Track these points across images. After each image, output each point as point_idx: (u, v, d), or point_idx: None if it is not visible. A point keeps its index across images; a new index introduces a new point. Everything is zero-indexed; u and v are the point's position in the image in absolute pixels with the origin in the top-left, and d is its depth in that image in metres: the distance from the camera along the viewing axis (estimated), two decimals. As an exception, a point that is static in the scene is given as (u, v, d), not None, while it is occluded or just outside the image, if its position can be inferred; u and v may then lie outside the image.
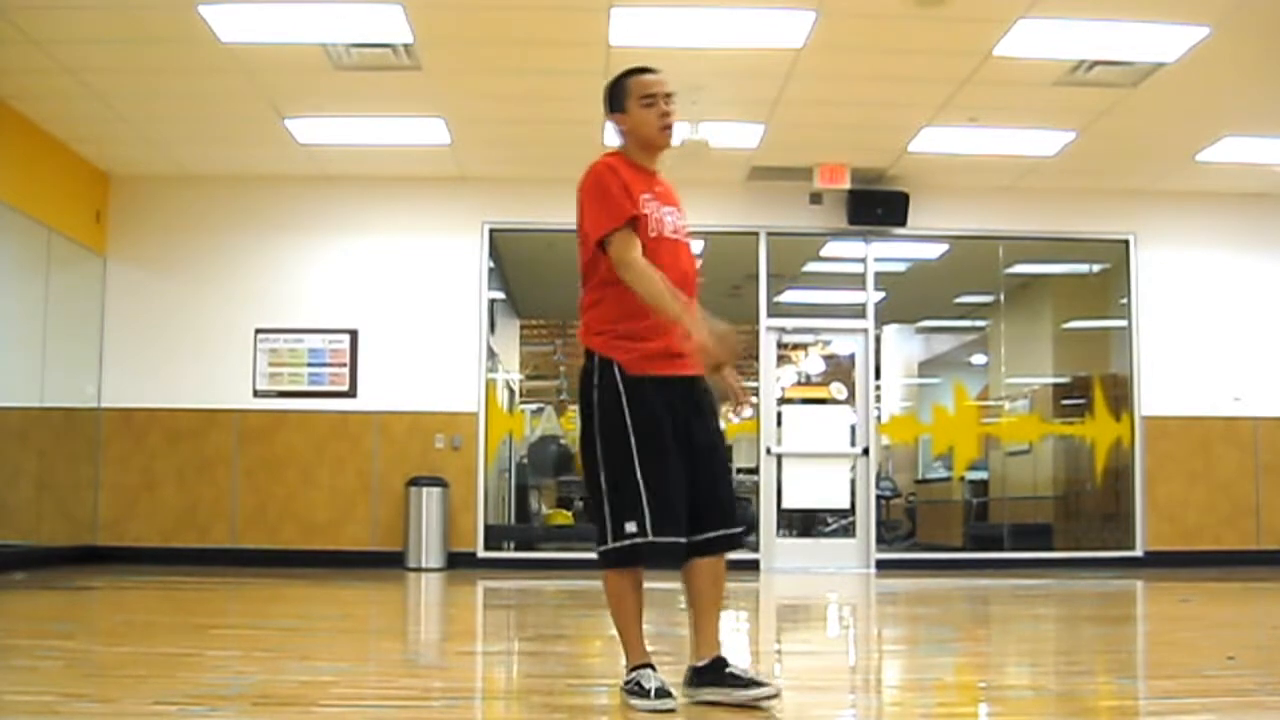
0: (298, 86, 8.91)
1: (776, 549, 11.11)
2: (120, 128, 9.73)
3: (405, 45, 8.09)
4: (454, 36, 8.05)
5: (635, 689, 3.64)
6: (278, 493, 10.74)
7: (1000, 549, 11.46)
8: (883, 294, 11.62)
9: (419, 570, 10.30)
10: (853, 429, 11.42)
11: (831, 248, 11.72)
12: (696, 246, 13.10)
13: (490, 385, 11.22)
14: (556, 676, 4.17)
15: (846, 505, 11.36)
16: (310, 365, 10.90)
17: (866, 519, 11.19)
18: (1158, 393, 11.24)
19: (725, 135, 9.57)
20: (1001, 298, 11.98)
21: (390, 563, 10.40)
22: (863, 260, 11.40)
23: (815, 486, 11.32)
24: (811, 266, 12.22)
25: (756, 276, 11.27)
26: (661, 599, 8.46)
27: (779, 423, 11.36)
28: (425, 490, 10.47)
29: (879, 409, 11.93)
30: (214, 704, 3.62)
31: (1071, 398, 12.08)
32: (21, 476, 9.71)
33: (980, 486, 12.36)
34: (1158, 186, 11.19)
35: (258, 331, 10.87)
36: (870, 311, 11.40)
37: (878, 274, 11.46)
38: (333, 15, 7.72)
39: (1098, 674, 4.78)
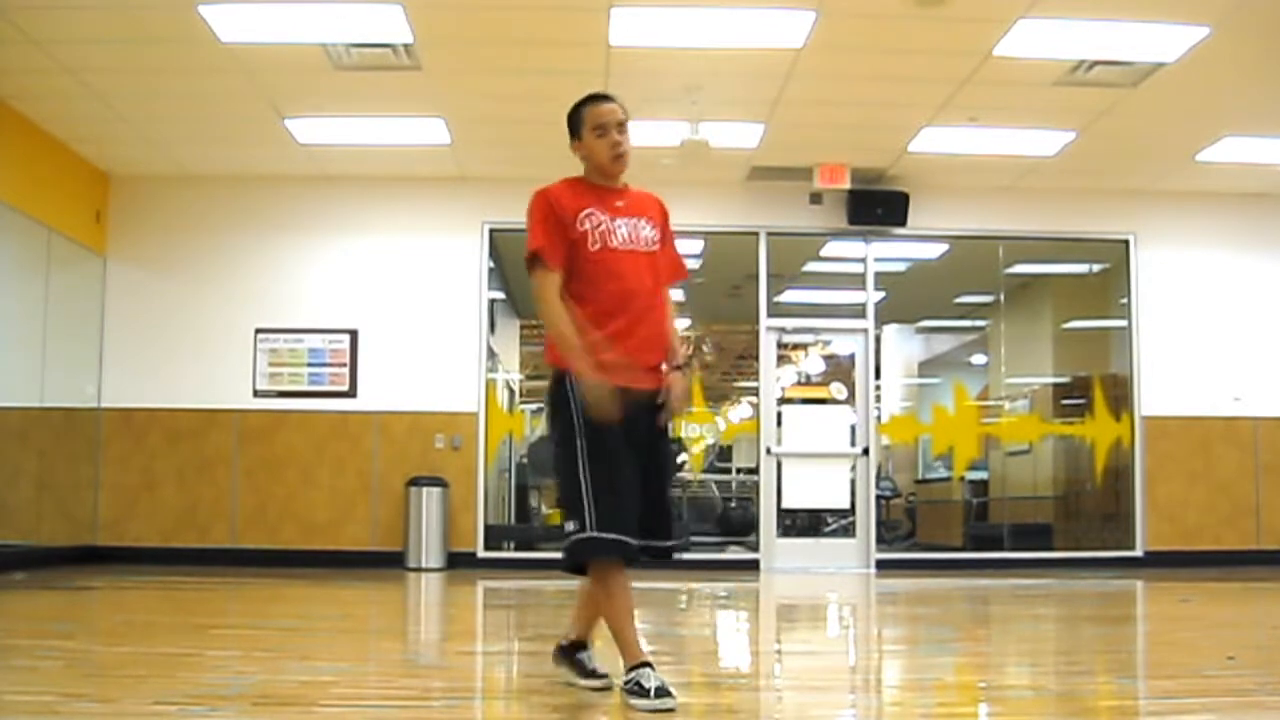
0: (298, 86, 8.91)
1: (776, 549, 11.11)
2: (120, 128, 9.73)
3: (405, 45, 8.09)
4: (454, 36, 8.05)
5: (635, 689, 3.68)
6: (278, 493, 10.74)
7: (1000, 549, 11.46)
8: (883, 294, 11.62)
9: (419, 570, 10.31)
10: (853, 429, 11.42)
11: (831, 248, 11.72)
12: (695, 246, 13.07)
13: (490, 385, 11.22)
14: (556, 677, 4.17)
15: (846, 505, 11.36)
16: (310, 365, 10.91)
17: (866, 519, 11.19)
18: (1158, 393, 11.24)
19: (725, 135, 9.58)
20: (1001, 298, 11.98)
21: (390, 563, 10.41)
22: (863, 260, 11.40)
23: (815, 486, 11.32)
24: (811, 266, 12.22)
25: (756, 276, 11.27)
26: (662, 599, 8.47)
27: (779, 423, 11.36)
28: (425, 490, 10.47)
29: (879, 409, 11.93)
30: (214, 704, 3.62)
31: (1071, 398, 12.08)
32: (21, 476, 9.71)
33: (980, 486, 12.36)
34: (1158, 186, 11.19)
35: (258, 331, 10.88)
36: (870, 311, 11.40)
37: (878, 274, 11.47)
38: (333, 15, 7.72)
39: (1098, 674, 4.78)
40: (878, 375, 12.16)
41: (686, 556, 11.46)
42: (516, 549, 11.37)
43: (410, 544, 10.44)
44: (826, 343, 12.37)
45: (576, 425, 3.80)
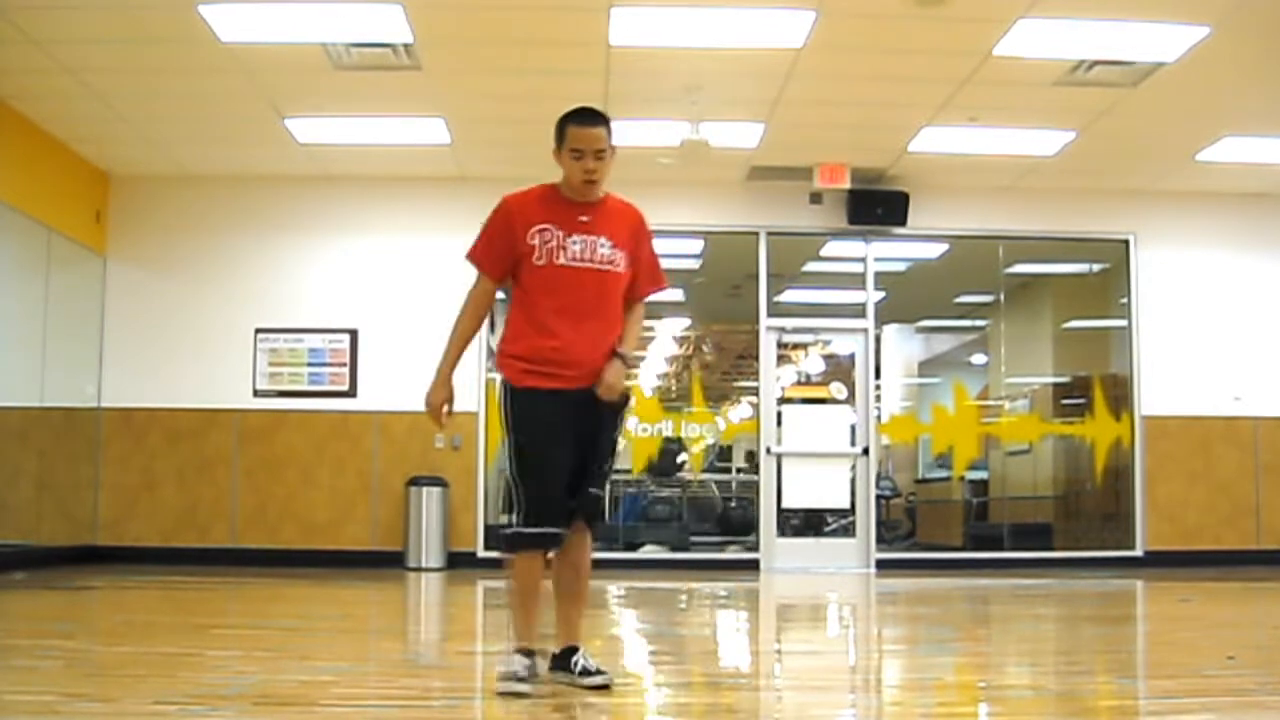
0: (298, 86, 8.91)
1: (776, 549, 11.10)
2: (120, 128, 9.73)
3: (405, 45, 8.09)
4: (454, 36, 8.05)
5: (504, 664, 4.01)
6: (278, 493, 10.74)
7: (1000, 549, 11.45)
8: (883, 294, 11.62)
9: (419, 570, 10.31)
10: (853, 429, 11.42)
11: (831, 247, 11.72)
12: (695, 246, 13.07)
13: (490, 385, 11.21)
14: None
15: (846, 505, 11.36)
16: (310, 365, 10.91)
17: (866, 519, 11.19)
18: (1158, 393, 11.24)
19: (725, 135, 9.57)
20: (1001, 298, 11.98)
21: (390, 563, 10.40)
22: (863, 260, 11.40)
23: (815, 486, 11.32)
24: (811, 266, 12.22)
25: (756, 276, 11.27)
26: (662, 599, 8.47)
27: (779, 422, 11.36)
28: (425, 490, 10.47)
29: (879, 409, 11.93)
30: (214, 704, 3.62)
31: (1071, 397, 12.07)
32: (21, 476, 9.71)
33: (980, 486, 12.35)
34: (1158, 186, 11.19)
35: (258, 331, 10.88)
36: (870, 311, 11.40)
37: (878, 274, 11.47)
38: (333, 15, 7.72)
39: (1098, 674, 4.78)
40: (878, 375, 12.15)
41: (687, 556, 11.47)
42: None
43: (410, 544, 10.44)
44: (826, 342, 12.36)
45: (511, 430, 4.09)
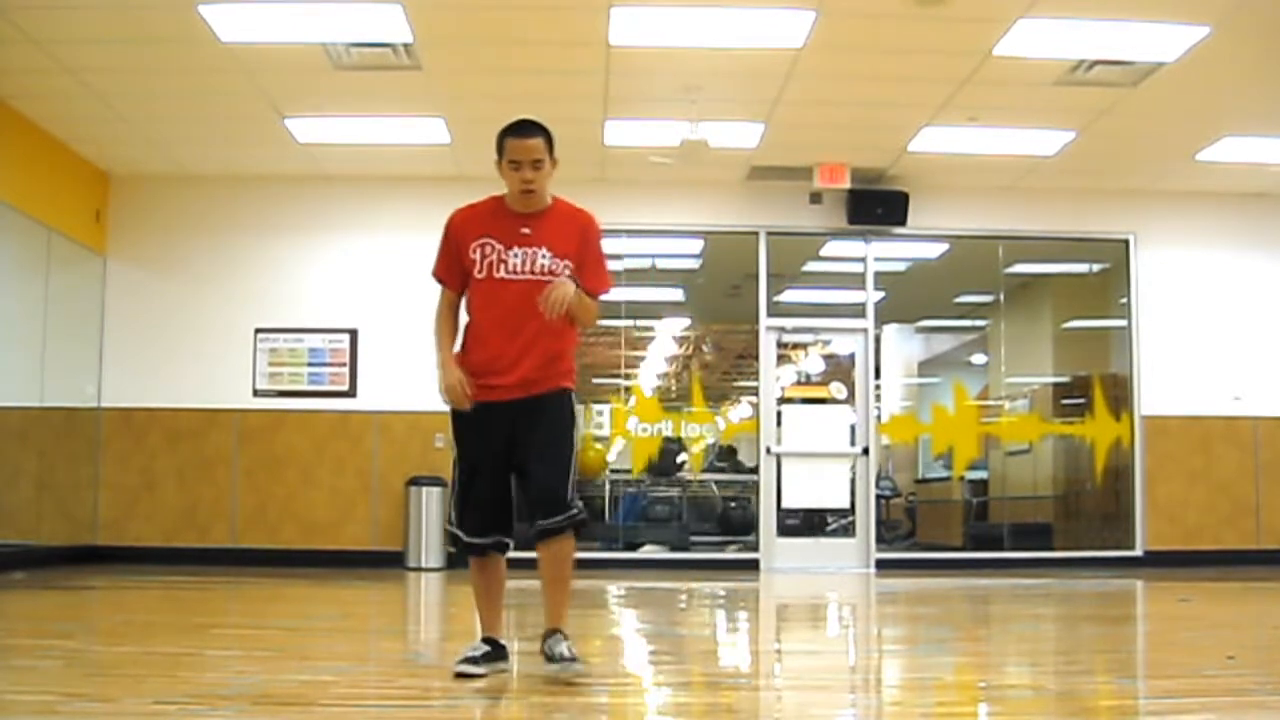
0: (298, 86, 8.91)
1: (776, 549, 11.11)
2: (120, 128, 9.73)
3: (405, 45, 8.09)
4: (454, 36, 8.05)
5: (466, 649, 4.24)
6: (278, 493, 10.74)
7: (1000, 549, 11.46)
8: (882, 294, 11.62)
9: (419, 570, 10.31)
10: (853, 429, 11.42)
11: (831, 247, 11.72)
12: (695, 246, 13.09)
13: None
14: (556, 676, 4.16)
15: (846, 505, 11.36)
16: (310, 365, 10.91)
17: (866, 519, 11.19)
18: (1158, 392, 11.24)
19: (725, 135, 9.58)
20: (1001, 297, 11.98)
21: (390, 563, 10.41)
22: (863, 260, 11.40)
23: (815, 486, 11.32)
24: (811, 266, 12.22)
25: (756, 276, 11.27)
26: (662, 599, 8.47)
27: (779, 422, 11.36)
28: (425, 490, 10.47)
29: (879, 409, 11.93)
30: (214, 704, 3.62)
31: (1071, 397, 12.07)
32: (21, 476, 9.71)
33: (980, 486, 12.35)
34: (1158, 186, 11.19)
35: (258, 331, 10.88)
36: (870, 311, 11.40)
37: (877, 274, 11.47)
38: (333, 15, 7.72)
39: (1098, 674, 4.78)
40: (877, 375, 12.15)
41: (687, 556, 11.47)
42: (516, 549, 11.34)
43: (410, 544, 10.45)
44: (826, 342, 12.36)
45: (457, 442, 4.32)
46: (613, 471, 12.00)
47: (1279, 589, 9.08)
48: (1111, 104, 9.08)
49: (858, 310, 11.43)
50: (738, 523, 12.06)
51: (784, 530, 11.30)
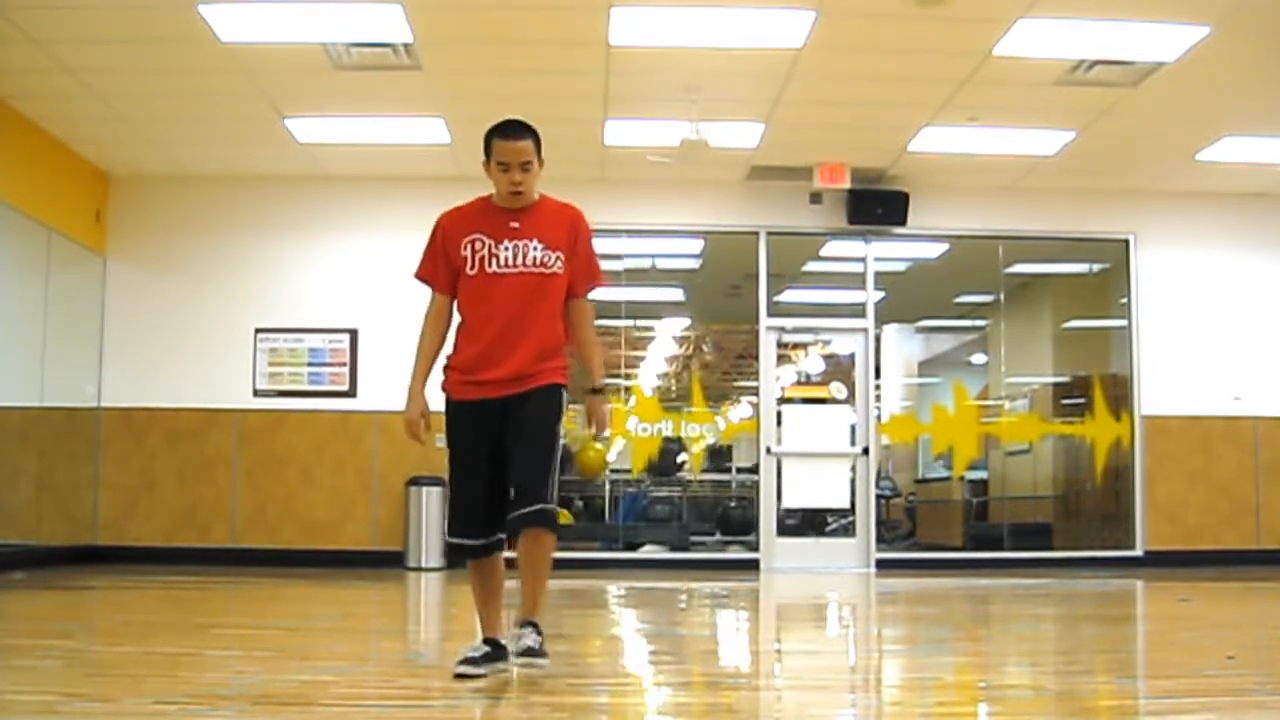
0: (298, 86, 8.91)
1: (776, 549, 11.11)
2: (120, 128, 9.73)
3: (405, 45, 8.09)
4: (454, 36, 8.05)
5: (466, 649, 4.22)
6: (278, 493, 10.74)
7: (1000, 549, 11.46)
8: (882, 294, 11.62)
9: (419, 570, 10.31)
10: (853, 429, 11.42)
11: (831, 247, 11.72)
12: (695, 246, 13.06)
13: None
14: (557, 676, 4.17)
15: (846, 505, 11.36)
16: (310, 365, 10.91)
17: (866, 519, 11.19)
18: (1158, 392, 11.24)
19: (725, 135, 9.57)
20: (1001, 297, 11.98)
21: (390, 563, 10.41)
22: (863, 260, 11.40)
23: (815, 486, 11.32)
24: (811, 266, 12.22)
25: (756, 276, 11.27)
26: (662, 599, 8.47)
27: (779, 422, 11.36)
28: (425, 490, 10.47)
29: (879, 409, 11.93)
30: (214, 704, 3.62)
31: (1071, 397, 12.07)
32: (21, 476, 9.71)
33: (980, 486, 12.35)
34: (1158, 186, 11.19)
35: (258, 331, 10.88)
36: (870, 311, 11.40)
37: (877, 274, 11.47)
38: (333, 15, 7.72)
39: (1098, 674, 4.78)
40: (878, 375, 12.15)
41: (686, 556, 11.47)
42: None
43: (410, 544, 10.45)
44: (826, 342, 12.36)
45: (450, 441, 4.30)
46: (613, 471, 12.01)
47: (1279, 589, 9.08)
48: (1111, 104, 9.08)
49: (858, 310, 11.43)
50: (738, 522, 12.06)
51: (784, 530, 11.30)
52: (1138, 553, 11.09)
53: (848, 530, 11.37)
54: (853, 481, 11.31)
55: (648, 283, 12.01)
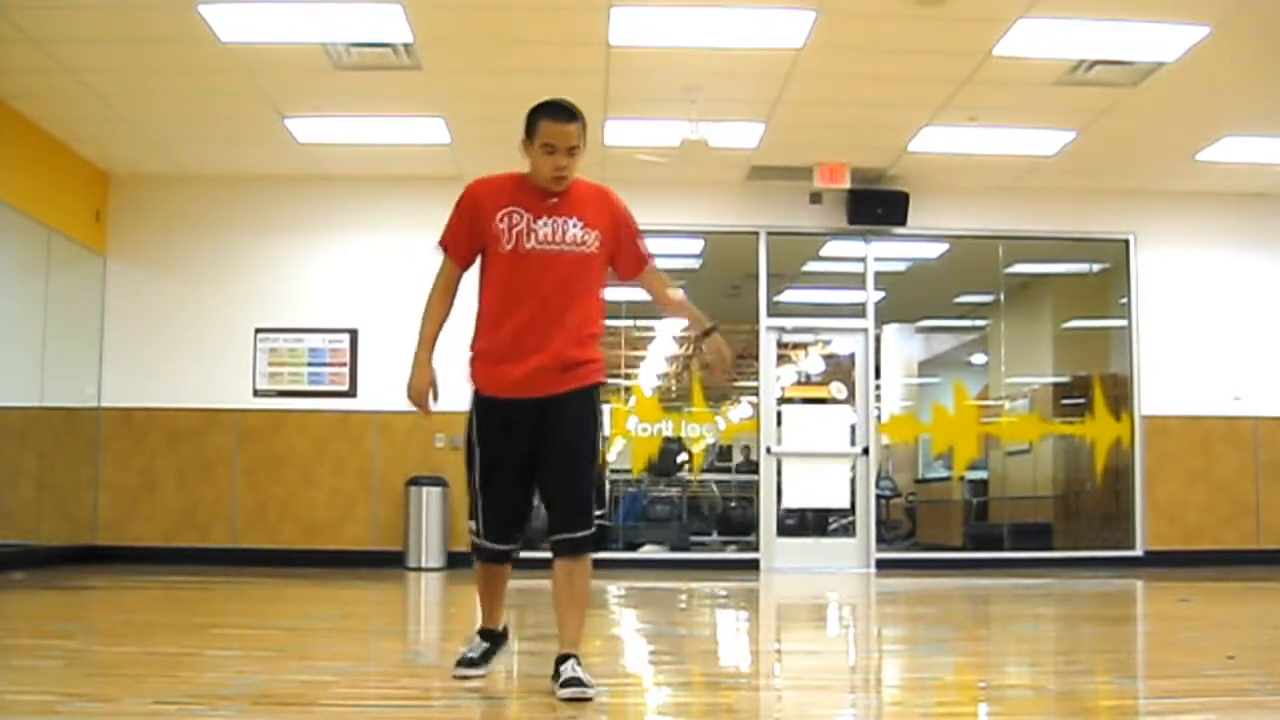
0: (298, 86, 8.91)
1: (776, 549, 11.11)
2: (120, 128, 9.73)
3: (405, 45, 8.09)
4: (454, 36, 8.05)
5: (464, 647, 4.20)
6: (278, 493, 10.74)
7: (1000, 549, 11.46)
8: (883, 294, 11.62)
9: (419, 570, 10.31)
10: (853, 429, 11.42)
11: (831, 247, 11.72)
12: (695, 246, 13.04)
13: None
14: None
15: (847, 505, 11.36)
16: (310, 365, 10.91)
17: (866, 519, 11.19)
18: (1158, 392, 11.24)
19: (725, 135, 9.57)
20: (1001, 297, 11.98)
21: (390, 563, 10.41)
22: (863, 260, 11.40)
23: (815, 486, 11.32)
24: (811, 266, 12.23)
25: (756, 276, 11.27)
26: (662, 599, 8.48)
27: (779, 422, 11.36)
28: (425, 490, 10.48)
29: (879, 408, 11.93)
30: (214, 704, 3.62)
31: (1071, 397, 12.07)
32: (21, 476, 9.71)
33: (980, 486, 12.35)
34: (1158, 186, 11.19)
35: (258, 331, 10.88)
36: (870, 311, 11.40)
37: (878, 274, 11.47)
38: (333, 15, 7.72)
39: (1098, 674, 4.78)
40: (878, 375, 12.15)
41: (687, 556, 11.47)
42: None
43: (410, 544, 10.45)
44: (826, 342, 12.36)
45: (472, 439, 4.05)
46: (613, 471, 12.01)
47: (1279, 589, 9.08)
48: (1111, 104, 9.08)
49: (858, 310, 11.43)
50: (738, 522, 12.06)
51: (784, 530, 11.30)
52: (1138, 553, 11.09)
53: (848, 530, 11.37)
54: (853, 481, 11.31)
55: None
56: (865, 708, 4.08)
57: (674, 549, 11.58)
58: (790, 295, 11.96)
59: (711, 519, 12.52)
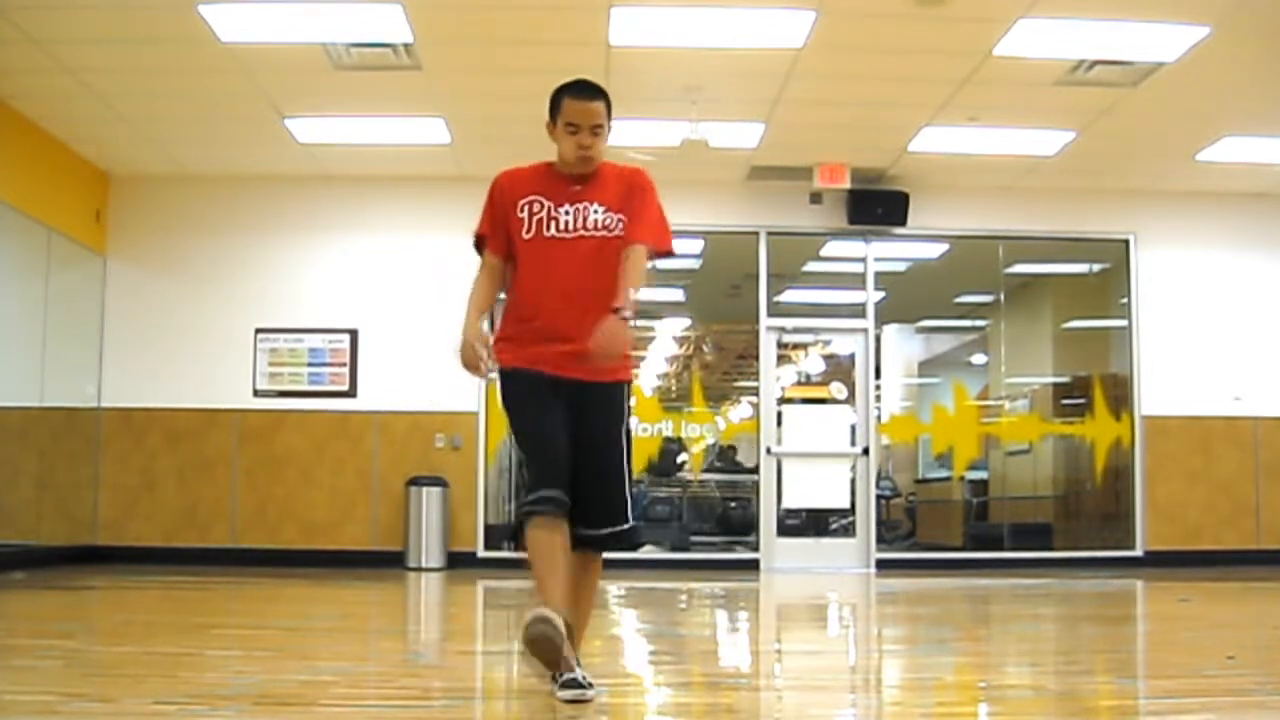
0: (298, 86, 8.91)
1: (776, 549, 11.10)
2: (120, 128, 9.73)
3: (405, 45, 8.09)
4: (454, 36, 8.05)
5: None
6: (278, 493, 10.74)
7: (1000, 549, 11.46)
8: (883, 294, 11.62)
9: (419, 570, 10.31)
10: (853, 429, 11.42)
11: (831, 247, 11.72)
12: (695, 246, 13.02)
13: (490, 385, 11.20)
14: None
15: (847, 505, 11.36)
16: (310, 365, 10.91)
17: (866, 519, 11.19)
18: (1158, 392, 11.24)
19: (725, 135, 9.57)
20: (1001, 298, 11.98)
21: (390, 563, 10.40)
22: (863, 260, 11.40)
23: (815, 486, 11.32)
24: (811, 266, 12.22)
25: (756, 276, 11.27)
26: (662, 599, 8.48)
27: (779, 423, 11.36)
28: (425, 490, 10.48)
29: (879, 409, 11.93)
30: (214, 704, 3.62)
31: (1071, 397, 12.07)
32: (21, 476, 9.71)
33: (980, 486, 12.35)
34: (1158, 186, 11.19)
35: (258, 331, 10.88)
36: (870, 311, 11.40)
37: (878, 274, 11.47)
38: (333, 15, 7.72)
39: (1098, 674, 4.78)
40: (878, 375, 12.15)
41: (686, 556, 11.47)
42: (517, 549, 11.32)
43: (410, 544, 10.45)
44: (826, 342, 12.36)
45: (509, 404, 3.93)
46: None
47: (1279, 589, 9.08)
48: (1111, 104, 9.08)
49: (858, 310, 11.43)
50: (738, 522, 12.06)
51: (784, 530, 11.30)
52: (1138, 553, 11.09)
53: (848, 530, 11.37)
54: (853, 482, 11.31)
55: (647, 283, 11.99)
56: (865, 708, 4.08)
57: (674, 549, 11.58)
58: (790, 295, 11.95)
59: (711, 519, 12.52)
